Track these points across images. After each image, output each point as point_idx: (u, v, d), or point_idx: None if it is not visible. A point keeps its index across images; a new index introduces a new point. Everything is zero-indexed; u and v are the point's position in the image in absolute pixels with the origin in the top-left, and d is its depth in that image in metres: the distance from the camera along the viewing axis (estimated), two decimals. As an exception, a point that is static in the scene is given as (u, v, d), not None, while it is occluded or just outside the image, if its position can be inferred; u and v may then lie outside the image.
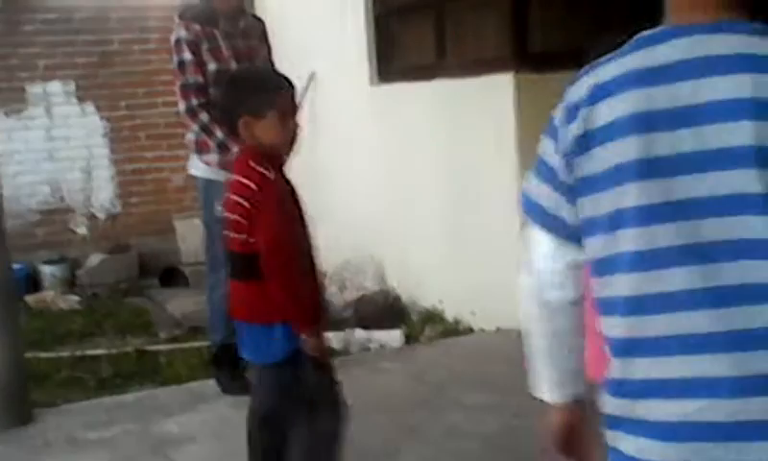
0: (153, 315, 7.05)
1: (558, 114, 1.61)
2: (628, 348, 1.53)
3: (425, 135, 6.22)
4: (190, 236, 8.00)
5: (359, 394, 4.35)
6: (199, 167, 4.86)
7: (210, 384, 4.92)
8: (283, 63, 4.99)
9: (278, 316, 2.94)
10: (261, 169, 2.93)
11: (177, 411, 4.64)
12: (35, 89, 8.47)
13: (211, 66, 4.69)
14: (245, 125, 2.97)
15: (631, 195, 1.49)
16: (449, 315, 6.04)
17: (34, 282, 8.05)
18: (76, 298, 7.73)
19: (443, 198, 6.09)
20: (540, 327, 1.74)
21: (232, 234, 2.99)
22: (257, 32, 4.99)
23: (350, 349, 5.59)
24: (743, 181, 1.44)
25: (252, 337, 3.07)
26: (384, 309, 6.14)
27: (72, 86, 8.58)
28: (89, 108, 8.68)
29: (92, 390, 5.29)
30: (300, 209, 3.09)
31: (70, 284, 8.16)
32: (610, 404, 1.58)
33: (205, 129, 4.69)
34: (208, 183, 4.82)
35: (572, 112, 1.56)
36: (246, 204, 2.90)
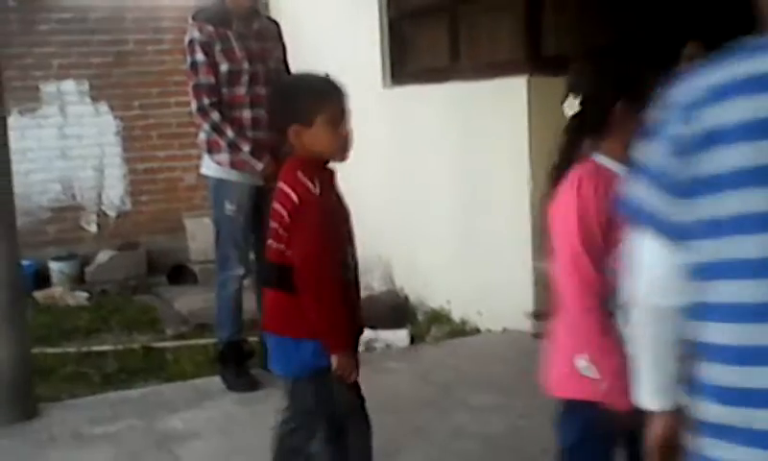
0: (160, 312, 7.05)
1: (665, 115, 1.58)
2: (748, 356, 1.48)
3: (438, 138, 6.21)
4: (200, 235, 8.01)
5: (365, 393, 4.34)
6: (210, 166, 4.87)
7: (216, 381, 4.91)
8: (297, 65, 4.99)
9: (309, 331, 2.88)
10: (306, 181, 2.85)
11: (182, 407, 4.63)
12: (49, 88, 8.50)
13: (224, 67, 4.70)
14: (295, 134, 2.90)
15: (753, 200, 1.46)
16: (456, 315, 6.02)
17: (43, 278, 8.07)
18: (84, 294, 7.75)
19: (453, 199, 6.08)
20: (649, 333, 1.71)
21: (272, 243, 2.94)
22: (272, 33, 4.99)
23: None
24: None
25: (281, 349, 3.02)
26: (391, 309, 6.13)
27: (86, 86, 8.61)
28: (103, 107, 8.70)
29: (97, 385, 5.29)
30: (346, 224, 3.03)
31: (79, 281, 8.18)
32: (718, 413, 1.54)
33: (216, 128, 4.71)
34: (219, 183, 4.83)
35: (687, 112, 1.53)
36: (286, 215, 2.85)
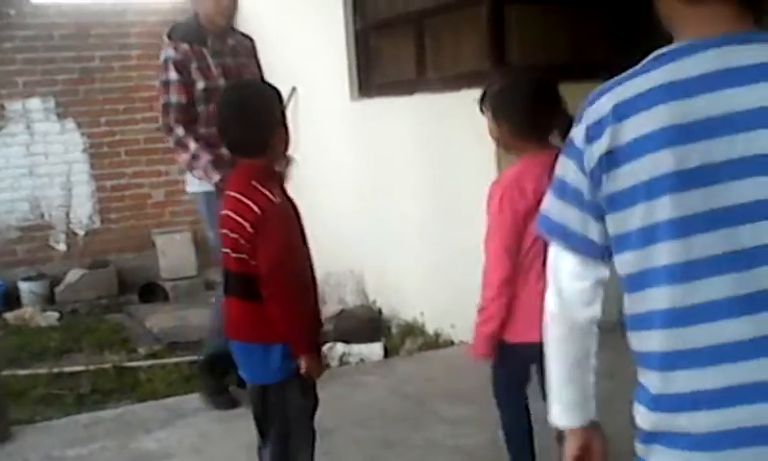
0: (131, 331, 7.02)
1: (578, 134, 1.60)
2: (668, 361, 1.52)
3: (406, 150, 6.23)
4: (170, 251, 7.99)
5: (339, 408, 4.36)
6: (194, 183, 4.86)
7: (189, 400, 4.89)
8: (265, 78, 4.99)
9: (277, 337, 2.92)
10: (265, 191, 2.88)
11: (155, 427, 4.60)
12: (14, 106, 8.45)
13: (200, 84, 4.71)
14: (279, 140, 2.96)
15: (665, 208, 1.48)
16: (430, 328, 6.03)
17: (13, 299, 8.00)
18: (55, 314, 7.69)
19: (424, 211, 6.10)
20: (565, 348, 1.72)
21: (230, 252, 2.96)
22: (246, 49, 5.00)
23: (330, 362, 5.57)
24: None
25: (250, 357, 3.04)
26: (364, 323, 6.14)
27: (52, 103, 8.57)
28: (69, 124, 8.66)
29: (70, 407, 5.25)
30: (301, 228, 3.07)
31: (49, 301, 8.12)
32: (646, 418, 1.57)
33: (179, 143, 4.71)
34: (207, 196, 4.80)
35: (596, 130, 1.55)
36: (247, 225, 2.85)
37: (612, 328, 4.98)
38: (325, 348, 5.66)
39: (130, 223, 8.86)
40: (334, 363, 5.53)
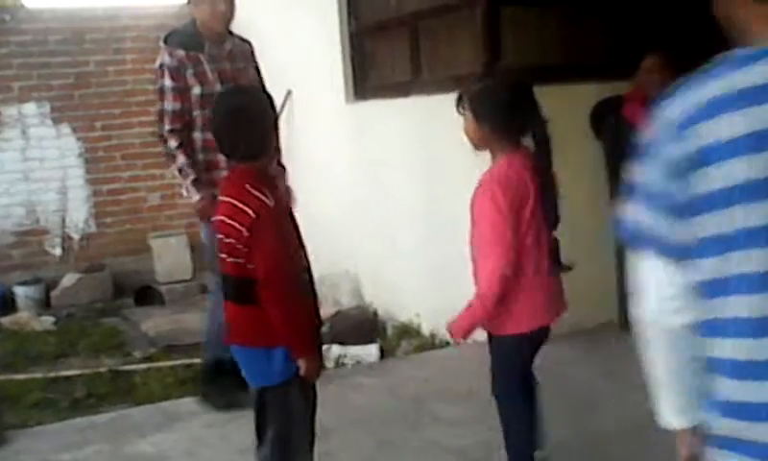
0: (127, 335, 7.00)
1: (655, 134, 1.57)
2: (743, 370, 1.49)
3: (401, 152, 6.23)
4: (165, 255, 7.98)
5: (335, 409, 4.34)
6: (190, 189, 4.85)
7: (184, 403, 4.89)
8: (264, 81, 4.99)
9: (278, 340, 2.92)
10: (259, 194, 2.88)
11: (150, 431, 4.59)
12: (10, 111, 8.43)
13: (196, 90, 4.70)
14: (273, 144, 3.01)
15: (753, 214, 1.45)
16: (426, 329, 6.03)
17: (8, 304, 7.98)
18: (51, 319, 7.66)
19: (419, 213, 6.09)
20: (664, 354, 1.68)
21: (227, 257, 2.96)
22: (244, 53, 4.99)
23: (326, 364, 5.56)
24: None
25: (251, 361, 3.05)
26: (360, 324, 6.13)
27: (47, 108, 8.55)
28: (65, 129, 8.64)
29: (65, 411, 5.23)
30: (296, 229, 3.08)
31: (45, 305, 8.10)
32: (719, 424, 1.55)
33: (170, 155, 4.73)
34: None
35: (678, 130, 1.52)
36: (243, 229, 2.85)
37: (610, 329, 5.01)
38: (322, 349, 5.66)
39: (125, 227, 8.84)
40: (330, 365, 5.52)
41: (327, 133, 7.13)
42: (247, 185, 2.91)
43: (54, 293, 8.21)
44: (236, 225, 2.87)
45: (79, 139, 8.67)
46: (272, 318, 2.89)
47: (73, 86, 8.62)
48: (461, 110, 3.32)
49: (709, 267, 1.52)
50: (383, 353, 5.74)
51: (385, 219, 6.47)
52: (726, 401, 1.53)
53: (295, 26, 7.57)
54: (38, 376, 5.94)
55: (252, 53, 5.07)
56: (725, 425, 1.54)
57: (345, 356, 5.60)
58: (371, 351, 5.70)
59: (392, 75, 6.62)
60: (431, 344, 5.85)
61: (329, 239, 6.75)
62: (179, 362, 5.66)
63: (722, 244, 1.49)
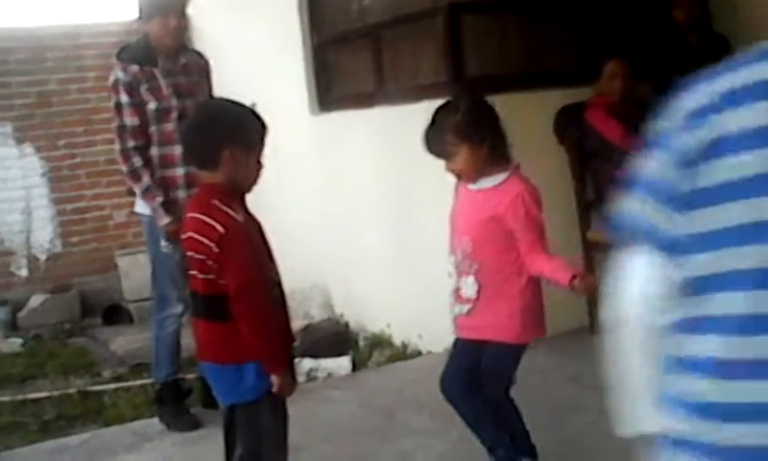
0: (96, 354, 6.94)
1: (667, 125, 1.53)
2: (726, 370, 1.45)
3: (368, 162, 6.23)
4: (133, 272, 7.92)
5: (307, 425, 4.32)
6: (142, 204, 4.81)
7: (155, 423, 4.84)
8: (224, 94, 4.96)
9: (249, 355, 2.90)
10: (227, 209, 2.86)
11: (121, 452, 4.55)
12: (-29, 133, 8.35)
13: (152, 105, 4.67)
14: (232, 157, 2.90)
15: (760, 210, 1.41)
16: (397, 339, 6.03)
17: (-25, 327, 7.90)
18: (18, 340, 7.59)
19: (387, 223, 6.10)
20: (642, 354, 1.63)
21: (197, 274, 2.93)
22: (200, 67, 4.97)
23: (298, 378, 5.54)
24: None
25: (222, 378, 3.02)
26: (331, 336, 6.11)
27: (9, 128, 8.48)
28: (28, 148, 8.57)
29: (35, 434, 5.18)
30: (266, 245, 3.05)
31: (12, 327, 8.02)
32: (684, 425, 1.51)
33: (133, 173, 4.68)
34: (152, 220, 4.78)
35: (695, 119, 1.48)
36: (213, 245, 2.83)
37: (579, 334, 5.03)
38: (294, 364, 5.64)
39: (91, 245, 8.77)
40: (302, 379, 5.50)
41: (293, 145, 7.10)
42: (214, 201, 2.89)
43: (21, 314, 8.13)
44: (205, 240, 2.85)
45: (42, 159, 8.61)
46: (244, 334, 2.86)
47: (35, 106, 8.56)
48: (443, 151, 3.28)
49: (705, 262, 1.48)
50: (355, 365, 5.73)
51: (354, 230, 6.46)
52: (697, 402, 1.50)
53: (257, 39, 7.55)
54: (6, 399, 5.88)
55: (208, 68, 5.05)
56: (692, 427, 1.51)
57: (316, 370, 5.59)
58: (343, 364, 5.68)
59: (356, 86, 6.62)
60: (403, 354, 5.84)
61: (298, 252, 6.74)
62: (148, 381, 5.60)
63: (721, 238, 1.45)
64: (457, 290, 3.42)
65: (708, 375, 1.47)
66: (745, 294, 1.43)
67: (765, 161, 1.41)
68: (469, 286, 3.34)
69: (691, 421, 1.49)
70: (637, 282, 1.60)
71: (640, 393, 1.66)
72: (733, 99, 1.45)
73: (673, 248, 1.52)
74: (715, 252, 1.46)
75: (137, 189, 4.72)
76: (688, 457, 1.50)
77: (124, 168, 4.73)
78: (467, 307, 3.38)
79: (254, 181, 3.03)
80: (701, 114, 1.48)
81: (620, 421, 1.71)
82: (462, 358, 3.50)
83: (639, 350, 1.63)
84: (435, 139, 3.30)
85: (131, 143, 4.66)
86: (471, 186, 3.36)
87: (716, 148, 1.45)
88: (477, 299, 3.35)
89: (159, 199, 4.64)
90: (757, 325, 1.42)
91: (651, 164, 1.55)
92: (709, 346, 1.47)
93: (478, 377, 3.45)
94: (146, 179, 4.65)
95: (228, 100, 3.24)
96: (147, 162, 4.67)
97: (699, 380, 1.49)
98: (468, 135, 3.22)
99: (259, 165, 3.02)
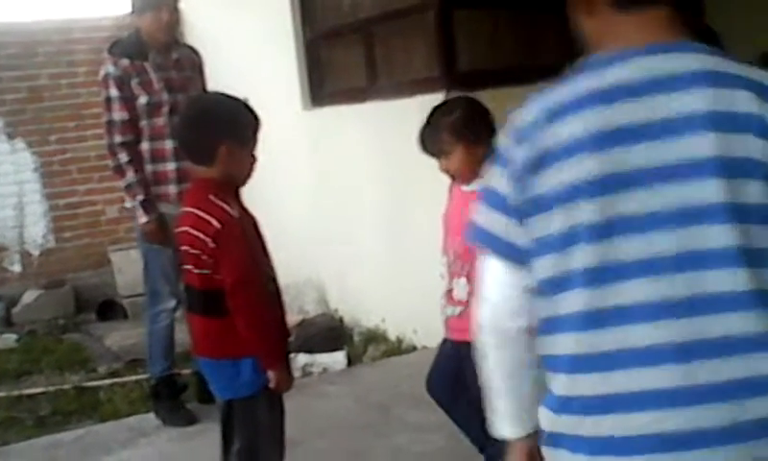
0: (90, 350, 6.94)
1: (504, 140, 1.61)
2: (578, 364, 1.53)
3: (361, 157, 6.24)
4: (126, 268, 7.90)
5: (303, 420, 4.34)
6: (138, 209, 4.82)
7: (150, 418, 4.86)
8: (216, 89, 4.96)
9: (246, 350, 2.91)
10: (222, 204, 2.87)
11: (117, 447, 4.57)
12: (-38, 129, 8.33)
13: (142, 99, 4.67)
14: (228, 152, 2.91)
15: (587, 211, 1.49)
16: (392, 334, 6.04)
17: (-31, 323, 7.89)
18: (13, 336, 7.58)
19: (381, 218, 6.11)
20: (500, 359, 1.70)
21: (192, 269, 2.94)
22: (192, 62, 4.98)
23: (293, 374, 5.55)
24: (702, 192, 1.46)
25: (219, 373, 3.03)
26: (326, 332, 6.12)
27: (0, 123, 8.44)
28: (19, 144, 8.54)
29: (31, 430, 5.18)
30: (262, 241, 3.06)
31: (6, 323, 8.00)
32: (553, 421, 1.58)
33: (119, 169, 4.70)
34: None
35: (524, 135, 1.56)
36: (208, 240, 2.84)
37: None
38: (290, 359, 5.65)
39: (84, 241, 8.76)
40: (297, 374, 5.51)
41: (285, 140, 7.10)
42: (210, 196, 2.90)
43: (15, 310, 8.12)
44: (200, 235, 2.86)
45: (34, 154, 8.58)
46: (240, 329, 2.87)
47: (26, 101, 8.53)
48: (439, 150, 3.26)
49: (549, 265, 1.55)
50: (350, 360, 5.75)
51: (348, 225, 6.47)
52: (560, 397, 1.56)
53: (249, 34, 7.54)
54: (2, 394, 5.88)
55: (201, 63, 5.05)
56: (559, 422, 1.57)
57: (311, 365, 5.60)
58: (338, 359, 5.70)
59: (348, 81, 6.62)
60: (398, 349, 5.86)
61: (292, 247, 6.75)
62: (143, 376, 5.61)
63: (563, 240, 1.52)
64: (449, 291, 3.40)
65: (566, 371, 1.55)
66: (581, 292, 1.51)
67: (597, 165, 1.48)
68: (462, 288, 3.33)
69: (560, 416, 1.56)
70: (493, 289, 1.67)
71: (505, 397, 1.73)
72: (555, 114, 1.53)
73: (521, 256, 1.60)
74: (551, 255, 1.54)
75: (121, 185, 4.74)
76: (565, 451, 1.57)
77: (110, 163, 4.75)
78: (459, 309, 3.34)
79: (249, 175, 3.04)
80: (526, 131, 1.56)
81: (493, 425, 1.78)
82: (449, 360, 3.47)
83: (499, 354, 1.70)
84: (431, 138, 3.30)
85: (118, 138, 4.66)
86: (465, 188, 3.35)
87: (540, 161, 1.53)
88: (469, 301, 3.34)
89: (140, 197, 4.65)
90: (595, 320, 1.50)
91: (493, 178, 1.63)
92: (564, 343, 1.55)
93: (464, 380, 3.44)
94: (130, 175, 4.65)
95: (221, 94, 3.25)
96: (136, 157, 4.67)
97: (560, 377, 1.56)
98: (464, 135, 3.21)
99: (253, 159, 3.03)
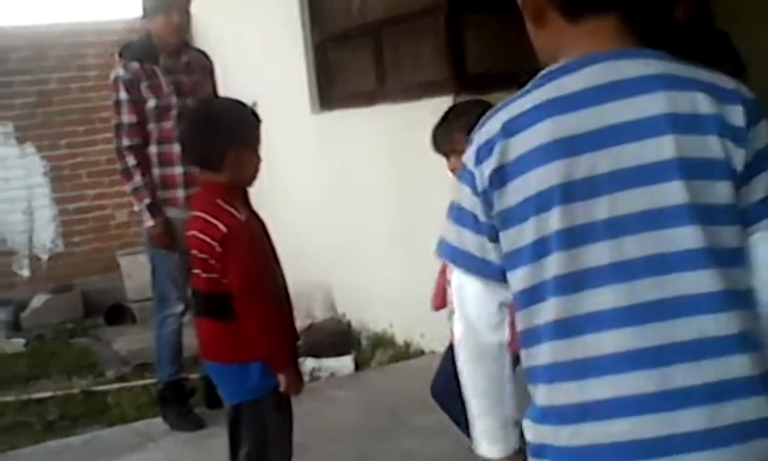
0: (99, 354, 6.94)
1: (470, 156, 1.60)
2: (555, 373, 1.52)
3: (370, 160, 6.22)
4: (135, 272, 7.90)
5: (311, 424, 4.33)
6: (144, 213, 4.82)
7: (158, 423, 4.85)
8: (225, 93, 4.96)
9: (254, 354, 2.90)
10: (230, 209, 2.87)
11: (125, 452, 4.56)
12: (-28, 132, 8.34)
13: (151, 103, 4.67)
14: (237, 158, 2.91)
15: (554, 220, 1.48)
16: (400, 338, 6.02)
17: (-22, 327, 7.89)
18: (21, 341, 7.59)
19: (389, 222, 6.09)
20: (478, 375, 1.70)
21: (200, 273, 2.93)
22: (202, 66, 4.98)
23: (301, 378, 5.54)
24: (665, 194, 1.46)
25: (227, 377, 3.03)
26: (334, 336, 6.11)
27: (10, 127, 8.46)
28: (29, 148, 8.56)
29: (39, 434, 5.18)
30: (270, 244, 3.06)
31: (14, 327, 8.01)
32: (534, 432, 1.58)
33: (126, 172, 4.70)
34: None
35: (486, 150, 1.56)
36: (215, 244, 2.84)
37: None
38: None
39: (93, 245, 8.77)
40: (305, 378, 5.50)
41: (294, 144, 7.11)
42: (218, 200, 2.90)
43: (23, 315, 8.13)
44: (208, 239, 2.86)
45: (43, 158, 8.59)
46: (249, 332, 2.87)
47: (36, 105, 8.54)
48: (451, 150, 3.23)
49: (523, 277, 1.54)
50: (358, 365, 5.73)
51: (356, 229, 6.46)
52: (542, 407, 1.56)
53: (259, 37, 7.54)
54: (10, 399, 5.88)
55: (212, 67, 5.05)
56: (541, 433, 1.56)
57: (319, 369, 5.59)
58: (345, 363, 5.68)
59: (357, 84, 6.61)
60: (406, 353, 5.85)
61: (300, 251, 6.73)
62: (151, 381, 5.61)
63: (534, 252, 1.51)
64: None
65: (545, 381, 1.54)
66: (553, 301, 1.50)
67: (564, 171, 1.48)
68: None
69: (542, 426, 1.56)
70: (468, 304, 1.66)
71: (485, 415, 1.72)
72: (515, 126, 1.53)
73: (496, 271, 1.59)
74: (523, 268, 1.53)
75: (128, 188, 4.74)
76: None
77: (118, 166, 4.75)
78: None
79: (255, 175, 3.05)
80: (488, 145, 1.55)
81: (475, 443, 1.76)
82: (454, 365, 3.46)
83: (478, 370, 1.70)
84: (443, 137, 3.29)
85: (126, 142, 4.67)
86: None
87: (503, 174, 1.53)
88: None
89: (147, 201, 4.65)
90: (568, 328, 1.49)
91: (462, 196, 1.62)
92: (541, 354, 1.54)
93: None
94: (137, 178, 4.66)
95: (224, 99, 3.25)
96: (144, 161, 4.67)
97: (540, 388, 1.56)
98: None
99: (258, 159, 3.04)
